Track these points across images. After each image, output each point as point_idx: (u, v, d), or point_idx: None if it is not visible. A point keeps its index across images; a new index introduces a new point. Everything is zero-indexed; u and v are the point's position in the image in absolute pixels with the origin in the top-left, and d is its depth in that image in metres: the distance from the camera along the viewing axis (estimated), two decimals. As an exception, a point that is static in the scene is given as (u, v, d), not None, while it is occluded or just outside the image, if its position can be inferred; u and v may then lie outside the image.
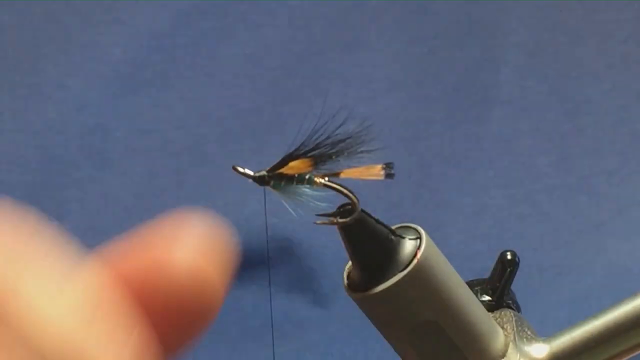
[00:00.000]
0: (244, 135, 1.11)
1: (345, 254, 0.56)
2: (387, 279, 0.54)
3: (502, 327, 0.62)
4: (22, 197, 1.07)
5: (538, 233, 1.13)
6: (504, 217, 1.13)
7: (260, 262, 1.07)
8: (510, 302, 0.70)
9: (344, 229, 0.54)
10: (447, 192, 1.13)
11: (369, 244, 0.54)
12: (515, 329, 0.63)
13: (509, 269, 0.68)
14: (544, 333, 0.65)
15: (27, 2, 1.11)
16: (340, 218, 0.53)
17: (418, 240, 0.55)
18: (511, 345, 0.60)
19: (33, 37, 1.10)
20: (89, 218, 1.08)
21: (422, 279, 0.54)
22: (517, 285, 0.77)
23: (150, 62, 1.11)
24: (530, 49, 1.16)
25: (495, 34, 1.15)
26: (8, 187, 1.07)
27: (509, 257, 0.66)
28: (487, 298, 0.69)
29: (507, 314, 0.65)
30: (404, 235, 0.56)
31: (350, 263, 0.57)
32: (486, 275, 0.71)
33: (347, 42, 1.14)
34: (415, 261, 0.54)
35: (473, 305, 0.59)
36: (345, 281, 0.57)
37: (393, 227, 0.56)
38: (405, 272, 0.54)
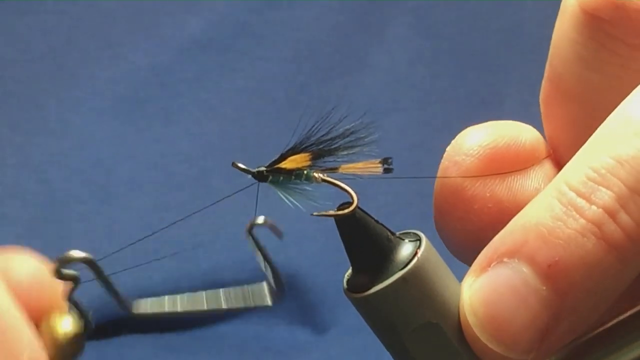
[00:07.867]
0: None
1: None
2: (386, 279, 0.54)
3: None
4: (25, 231, 1.06)
5: None
6: None
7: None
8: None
9: (343, 225, 0.53)
10: None
11: (368, 242, 0.54)
12: None
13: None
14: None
15: (28, 38, 1.11)
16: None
17: (418, 242, 0.55)
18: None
19: (34, 73, 1.11)
20: (93, 251, 1.07)
21: (422, 278, 0.54)
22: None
23: (153, 98, 1.11)
24: (532, 83, 1.17)
25: (498, 68, 1.17)
26: (11, 221, 1.06)
27: None
28: None
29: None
30: (403, 238, 0.55)
31: (350, 270, 0.56)
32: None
33: (351, 65, 1.14)
34: (415, 260, 0.54)
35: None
36: (345, 285, 0.56)
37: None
38: (404, 270, 0.53)
